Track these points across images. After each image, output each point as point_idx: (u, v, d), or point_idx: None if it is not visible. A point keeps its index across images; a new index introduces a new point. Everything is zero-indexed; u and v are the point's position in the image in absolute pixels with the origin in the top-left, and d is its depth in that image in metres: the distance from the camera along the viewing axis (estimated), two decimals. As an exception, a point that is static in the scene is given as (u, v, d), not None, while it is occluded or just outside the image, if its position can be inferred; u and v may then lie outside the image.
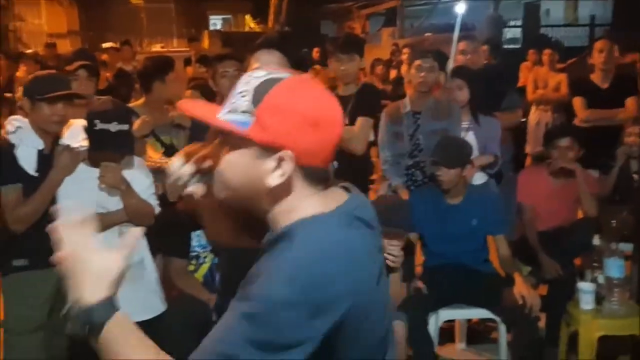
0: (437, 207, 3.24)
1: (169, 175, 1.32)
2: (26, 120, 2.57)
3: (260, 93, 1.04)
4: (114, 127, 2.39)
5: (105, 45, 8.28)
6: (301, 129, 1.03)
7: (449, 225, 3.20)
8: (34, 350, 2.57)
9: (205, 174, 1.32)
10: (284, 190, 1.07)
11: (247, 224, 1.38)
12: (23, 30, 15.55)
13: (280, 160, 1.04)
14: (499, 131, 3.73)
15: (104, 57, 7.45)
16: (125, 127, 2.43)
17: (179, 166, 1.30)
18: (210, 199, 1.34)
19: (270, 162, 1.05)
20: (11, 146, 2.53)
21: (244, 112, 1.05)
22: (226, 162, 1.09)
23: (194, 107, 1.17)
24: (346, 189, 1.16)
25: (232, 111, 1.07)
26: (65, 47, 12.75)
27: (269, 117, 1.03)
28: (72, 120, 2.67)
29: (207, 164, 1.29)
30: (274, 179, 1.05)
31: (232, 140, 1.07)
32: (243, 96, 1.06)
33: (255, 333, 0.97)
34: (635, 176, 3.84)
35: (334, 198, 1.11)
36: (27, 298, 2.57)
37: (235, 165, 1.08)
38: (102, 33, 16.36)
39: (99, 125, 2.39)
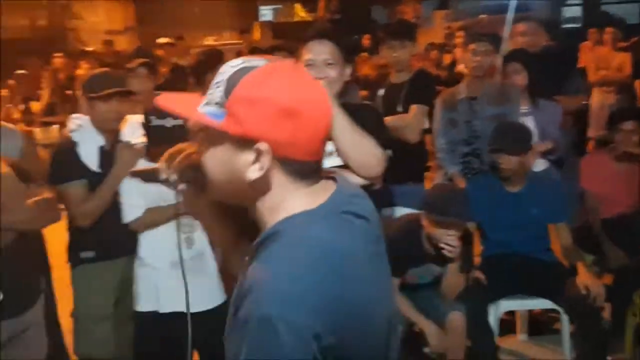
0: (496, 196, 3.16)
1: (159, 176, 1.28)
2: (87, 117, 2.66)
3: (231, 83, 0.99)
4: (168, 122, 2.45)
5: (161, 40, 8.43)
6: (274, 119, 0.97)
7: (509, 214, 3.12)
8: (102, 338, 2.69)
9: (195, 173, 1.27)
10: (265, 185, 1.01)
11: (241, 227, 1.35)
12: (81, 28, 16.06)
13: (258, 153, 0.98)
14: (559, 115, 3.61)
15: (160, 52, 7.60)
16: (180, 122, 2.48)
17: (165, 167, 1.28)
18: (204, 201, 1.33)
19: (249, 155, 0.99)
20: (73, 144, 2.62)
21: (217, 103, 1.00)
22: (207, 157, 1.06)
23: (173, 100, 1.11)
24: (334, 180, 1.09)
25: (208, 103, 1.02)
26: (122, 43, 13.10)
27: (240, 109, 0.98)
28: (129, 116, 2.74)
29: (193, 162, 1.25)
30: (253, 173, 1.00)
31: (211, 133, 1.03)
32: (218, 87, 1.01)
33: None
34: None
35: (322, 193, 1.05)
36: (95, 288, 2.69)
37: (215, 160, 1.04)
38: (157, 28, 16.70)
39: (155, 122, 2.45)
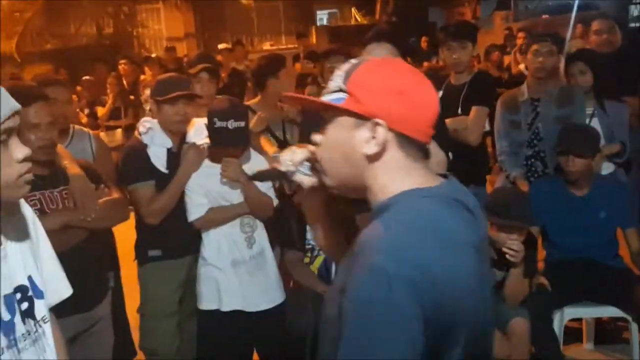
0: (561, 199, 3.07)
1: (280, 166, 1.36)
2: (155, 121, 2.75)
3: (349, 72, 1.14)
4: (231, 124, 2.51)
5: (220, 46, 8.61)
6: (388, 97, 1.10)
7: (575, 218, 3.03)
8: (168, 334, 2.77)
9: (313, 167, 1.36)
10: (382, 160, 1.12)
11: (346, 230, 1.40)
12: (145, 35, 16.58)
13: (374, 129, 1.10)
14: (626, 117, 3.47)
15: (219, 57, 7.77)
16: (241, 124, 2.53)
17: (287, 158, 1.34)
18: (317, 197, 1.37)
19: (365, 132, 1.11)
20: (144, 146, 2.72)
21: (336, 90, 1.14)
22: (325, 139, 1.17)
23: (293, 96, 1.27)
24: (444, 176, 1.18)
25: (327, 93, 1.16)
26: (183, 49, 13.46)
27: (359, 89, 1.11)
28: (195, 120, 2.81)
29: (314, 156, 1.33)
30: (370, 148, 1.10)
31: (330, 119, 1.16)
32: (337, 79, 1.16)
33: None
34: None
35: (434, 179, 1.14)
36: (161, 286, 2.77)
37: (334, 141, 1.15)
38: (216, 34, 17.07)
39: (218, 124, 2.51)
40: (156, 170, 2.69)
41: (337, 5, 21.08)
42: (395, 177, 1.12)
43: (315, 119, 1.20)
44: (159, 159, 2.70)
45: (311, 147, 1.41)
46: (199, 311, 2.73)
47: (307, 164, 1.33)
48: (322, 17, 21.37)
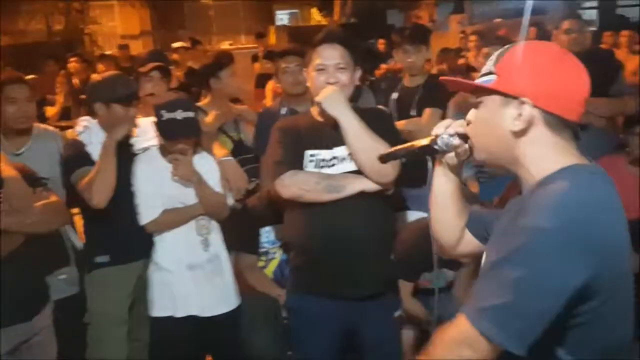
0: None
1: (435, 129, 1.42)
2: (95, 120, 2.67)
3: (500, 55, 1.25)
4: (179, 114, 2.47)
5: (176, 45, 8.48)
6: (535, 75, 1.19)
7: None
8: (117, 343, 2.67)
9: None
10: (530, 137, 1.20)
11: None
12: (98, 33, 16.21)
13: (520, 106, 1.18)
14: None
15: (175, 56, 7.65)
16: (190, 114, 2.50)
17: (446, 124, 1.41)
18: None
19: (511, 110, 1.20)
20: (82, 144, 2.64)
21: (487, 73, 1.25)
22: (475, 118, 1.28)
23: (450, 79, 1.38)
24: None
25: (481, 76, 1.27)
26: (138, 48, 13.21)
27: (506, 70, 1.21)
28: (140, 119, 2.75)
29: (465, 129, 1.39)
30: (516, 125, 1.19)
31: (480, 100, 1.26)
32: (489, 63, 1.26)
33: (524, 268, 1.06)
34: None
35: (583, 157, 1.21)
36: (110, 293, 2.67)
37: (483, 119, 1.26)
38: (173, 32, 16.82)
39: (166, 115, 2.47)
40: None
41: (298, 5, 21.07)
42: (547, 153, 1.20)
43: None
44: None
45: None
46: (151, 318, 2.65)
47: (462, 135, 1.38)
48: (282, 17, 21.32)
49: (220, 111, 3.31)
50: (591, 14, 14.65)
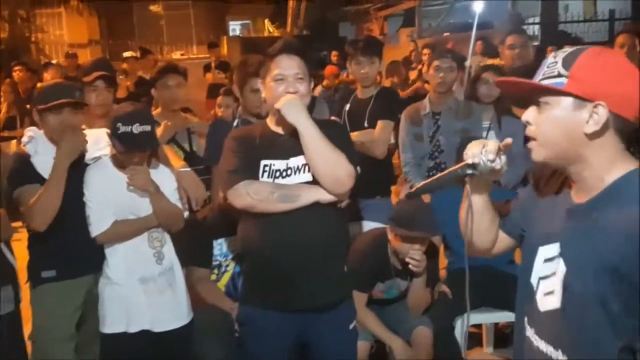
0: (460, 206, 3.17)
1: (469, 156, 1.46)
2: (41, 131, 2.59)
3: (569, 60, 1.28)
4: (136, 128, 2.41)
5: (126, 54, 8.33)
6: (610, 80, 1.25)
7: (473, 228, 3.14)
8: None
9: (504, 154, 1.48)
10: (600, 139, 1.26)
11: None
12: (45, 41, 15.79)
13: (594, 110, 1.24)
14: (522, 131, 3.65)
15: (125, 66, 7.52)
16: (147, 127, 2.45)
17: (481, 148, 1.45)
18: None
19: (585, 113, 1.26)
20: (27, 155, 2.55)
21: (557, 76, 1.28)
22: (546, 119, 1.31)
23: (511, 80, 1.39)
24: None
25: (546, 78, 1.30)
26: (86, 56, 12.92)
27: (584, 73, 1.26)
28: (90, 131, 2.68)
29: (506, 144, 1.46)
30: (590, 127, 1.25)
31: (547, 100, 1.30)
32: (554, 66, 1.29)
33: None
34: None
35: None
36: (56, 309, 2.57)
37: (555, 121, 1.29)
38: (122, 41, 16.55)
39: (122, 129, 2.41)
40: (42, 178, 2.50)
41: (250, 16, 21.07)
42: (615, 156, 1.27)
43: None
44: (45, 169, 2.50)
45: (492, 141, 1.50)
46: (101, 335, 2.56)
47: (493, 156, 1.43)
48: (235, 27, 21.27)
49: (171, 121, 3.26)
50: (534, 30, 15.19)
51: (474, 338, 3.52)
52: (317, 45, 11.57)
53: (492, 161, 1.44)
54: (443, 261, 3.40)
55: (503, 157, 1.48)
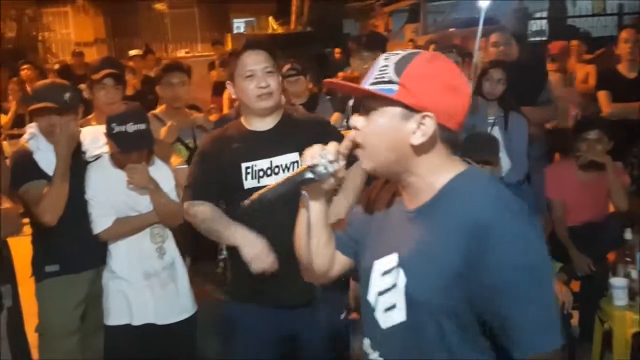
0: None
1: (307, 159, 1.30)
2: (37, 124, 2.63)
3: (401, 65, 1.20)
4: (130, 127, 2.44)
5: (132, 52, 8.37)
6: (441, 92, 1.19)
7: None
8: (69, 353, 2.62)
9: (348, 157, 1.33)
10: (426, 150, 1.22)
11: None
12: (52, 40, 15.87)
13: (422, 121, 1.19)
14: (526, 128, 3.66)
15: (131, 63, 7.56)
16: (142, 126, 2.47)
17: (319, 150, 1.30)
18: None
19: (412, 124, 1.20)
20: (30, 152, 2.60)
21: (387, 82, 1.20)
22: (371, 126, 1.23)
23: (340, 82, 1.37)
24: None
25: (376, 83, 1.21)
26: (92, 55, 12.98)
27: (413, 83, 1.18)
28: (88, 128, 2.72)
29: (349, 146, 1.30)
30: (417, 138, 1.20)
31: (375, 107, 1.22)
32: (385, 71, 1.21)
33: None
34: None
35: (465, 163, 1.28)
36: (61, 303, 2.63)
37: (381, 128, 1.22)
38: (128, 40, 16.59)
39: (117, 129, 2.44)
40: (46, 174, 2.56)
41: (254, 14, 21.05)
42: (443, 163, 1.24)
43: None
44: (48, 165, 2.57)
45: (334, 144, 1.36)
46: (106, 327, 2.61)
47: (333, 156, 1.29)
48: (239, 25, 21.26)
49: (176, 119, 3.29)
50: (542, 25, 15.14)
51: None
52: (320, 42, 11.56)
53: (332, 162, 1.29)
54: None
55: (342, 162, 1.31)
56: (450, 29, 10.98)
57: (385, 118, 1.21)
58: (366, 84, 1.23)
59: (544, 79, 4.08)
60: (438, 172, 1.24)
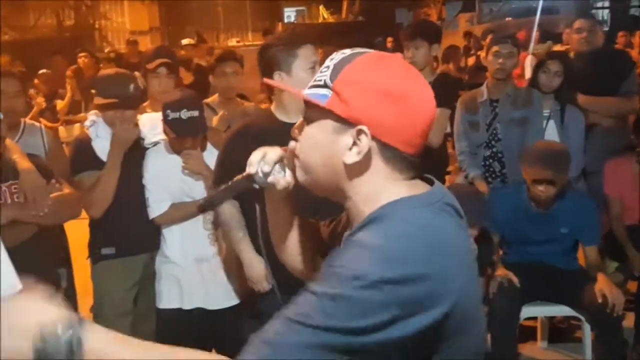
0: (523, 213, 3.06)
1: (249, 166, 1.22)
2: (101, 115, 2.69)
3: (338, 67, 1.01)
4: (184, 114, 2.48)
5: (184, 41, 8.49)
6: (378, 101, 0.98)
7: (535, 231, 3.05)
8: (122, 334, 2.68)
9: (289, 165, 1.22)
10: (362, 171, 1.01)
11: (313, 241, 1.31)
12: (107, 28, 16.28)
13: (358, 136, 0.98)
14: (582, 123, 3.52)
15: (183, 52, 7.66)
16: (195, 112, 2.51)
17: (260, 157, 1.21)
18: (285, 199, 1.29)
19: (347, 138, 0.99)
20: (89, 139, 2.66)
21: (322, 86, 1.02)
22: (304, 137, 1.06)
23: (278, 85, 1.24)
24: (429, 181, 1.07)
25: (314, 86, 1.04)
26: (146, 43, 13.26)
27: (346, 89, 0.99)
28: (146, 115, 2.76)
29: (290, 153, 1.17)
30: (351, 157, 0.99)
31: (312, 115, 1.04)
32: (324, 72, 1.03)
33: (332, 315, 0.88)
34: None
35: (421, 186, 1.04)
36: (115, 284, 2.70)
37: (313, 141, 1.04)
38: (181, 28, 16.87)
39: (171, 115, 2.49)
40: (102, 162, 2.61)
41: (305, 3, 21.06)
42: (378, 188, 1.01)
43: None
44: (105, 153, 2.62)
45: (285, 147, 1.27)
46: (157, 310, 2.67)
47: (280, 164, 1.19)
48: (290, 14, 21.31)
49: (228, 109, 3.31)
50: (604, 14, 14.58)
51: (528, 332, 3.44)
52: (372, 31, 11.46)
53: (268, 174, 1.18)
54: (498, 252, 3.32)
55: (286, 171, 1.18)
56: (507, 18, 10.71)
57: (318, 129, 1.03)
58: (308, 86, 1.06)
59: (629, 69, 3.86)
60: (374, 198, 1.01)
